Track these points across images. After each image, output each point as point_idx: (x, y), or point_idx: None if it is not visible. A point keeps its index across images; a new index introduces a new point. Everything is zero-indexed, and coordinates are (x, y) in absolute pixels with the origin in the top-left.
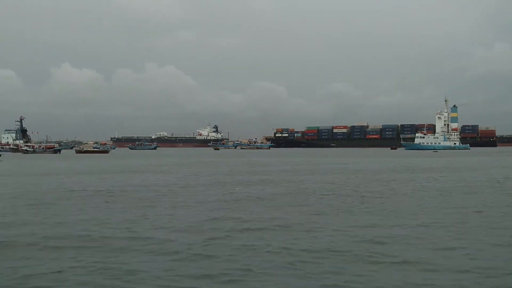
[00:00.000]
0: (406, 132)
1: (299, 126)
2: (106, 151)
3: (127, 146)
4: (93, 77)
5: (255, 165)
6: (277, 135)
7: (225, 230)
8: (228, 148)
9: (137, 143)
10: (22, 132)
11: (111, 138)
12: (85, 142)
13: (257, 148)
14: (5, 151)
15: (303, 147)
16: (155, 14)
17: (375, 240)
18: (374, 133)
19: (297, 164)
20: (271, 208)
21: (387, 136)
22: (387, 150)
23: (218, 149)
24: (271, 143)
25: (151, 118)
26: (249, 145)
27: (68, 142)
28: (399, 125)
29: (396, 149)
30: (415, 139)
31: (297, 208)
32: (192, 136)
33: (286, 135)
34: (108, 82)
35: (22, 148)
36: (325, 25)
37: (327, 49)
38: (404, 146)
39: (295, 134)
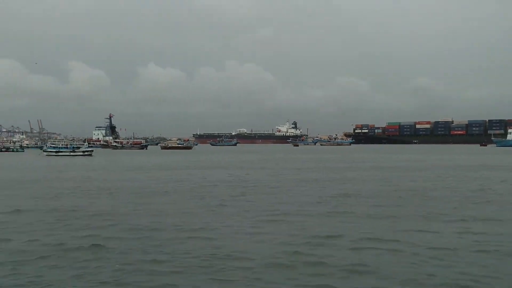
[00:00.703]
0: (494, 128)
1: (379, 121)
2: (189, 147)
3: (208, 142)
4: (177, 75)
5: (354, 162)
6: (356, 131)
7: None
8: (308, 144)
9: (218, 139)
10: (111, 129)
11: (193, 134)
12: (169, 138)
13: (338, 144)
14: (96, 147)
15: (384, 143)
16: (235, 13)
17: None
18: (459, 129)
19: (402, 161)
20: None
21: (474, 132)
22: (476, 147)
23: (298, 145)
24: (351, 139)
25: (232, 115)
26: (329, 141)
27: (153, 138)
28: (487, 121)
29: (486, 145)
30: (508, 135)
31: None
32: (271, 132)
33: (366, 131)
34: (190, 80)
35: (112, 144)
36: (409, 19)
37: (412, 43)
38: (495, 143)
39: (376, 130)
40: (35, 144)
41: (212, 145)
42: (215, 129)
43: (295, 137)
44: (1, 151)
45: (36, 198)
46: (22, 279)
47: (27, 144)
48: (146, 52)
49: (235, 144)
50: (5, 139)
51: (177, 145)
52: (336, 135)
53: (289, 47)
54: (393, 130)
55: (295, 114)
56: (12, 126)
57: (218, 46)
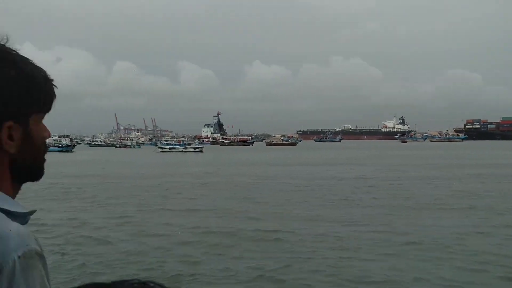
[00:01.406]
0: None
1: (492, 116)
2: (293, 144)
3: (312, 139)
4: (281, 73)
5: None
6: (467, 126)
7: None
8: (416, 140)
9: (322, 135)
10: (219, 126)
11: (297, 131)
12: (273, 135)
13: (449, 141)
14: (205, 143)
15: (498, 139)
16: (341, 8)
17: None
18: None
19: None
20: None
21: None
22: None
23: (406, 141)
24: (464, 135)
25: (336, 111)
26: (440, 137)
27: (258, 135)
28: None
29: None
30: None
31: None
32: (377, 128)
33: (478, 126)
34: (295, 77)
35: (220, 141)
36: None
37: None
38: None
39: (488, 126)
40: (150, 140)
41: (316, 141)
42: (319, 125)
43: (403, 133)
44: (120, 147)
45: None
46: None
47: (142, 141)
48: (252, 50)
49: (339, 141)
50: (122, 136)
51: (281, 142)
52: (447, 130)
53: (396, 41)
54: (508, 125)
55: (402, 109)
56: (129, 124)
57: (323, 42)
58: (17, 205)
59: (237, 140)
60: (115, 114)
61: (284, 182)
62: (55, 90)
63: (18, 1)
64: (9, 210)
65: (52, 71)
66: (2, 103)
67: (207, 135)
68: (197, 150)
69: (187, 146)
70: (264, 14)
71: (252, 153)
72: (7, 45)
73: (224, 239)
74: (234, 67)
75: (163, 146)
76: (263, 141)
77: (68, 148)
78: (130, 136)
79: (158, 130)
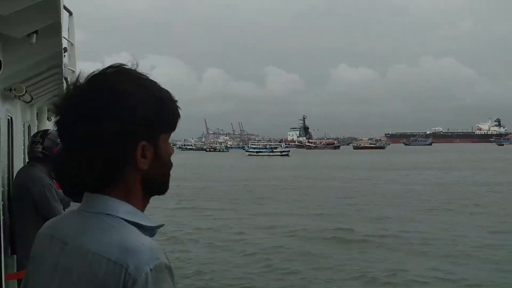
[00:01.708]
0: None
1: None
2: (382, 147)
3: (401, 142)
4: (369, 74)
5: None
6: None
7: None
8: None
9: (411, 138)
10: (305, 130)
11: (385, 134)
12: (360, 138)
13: None
14: (291, 147)
15: None
16: (431, 7)
17: None
18: None
19: None
20: None
21: None
22: None
23: (503, 145)
24: None
25: (426, 113)
26: None
27: (344, 138)
28: None
29: None
30: None
31: None
32: (470, 131)
33: None
34: (383, 78)
35: (306, 144)
36: None
37: None
38: None
39: None
40: (237, 144)
41: (406, 144)
42: (408, 128)
43: (499, 135)
44: (210, 151)
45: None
46: None
47: (230, 145)
48: (338, 53)
49: (430, 144)
50: (212, 140)
51: (369, 145)
52: None
53: (491, 39)
54: None
55: (497, 110)
56: (217, 128)
57: (412, 42)
58: (147, 219)
59: (323, 144)
60: (204, 119)
61: (378, 186)
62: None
63: (115, 15)
64: (140, 224)
65: None
66: (137, 124)
67: (292, 139)
68: (283, 153)
69: (274, 150)
70: (349, 17)
71: (339, 156)
72: (138, 69)
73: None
74: (320, 71)
75: (250, 150)
76: (350, 144)
77: None
78: (219, 140)
79: (245, 134)
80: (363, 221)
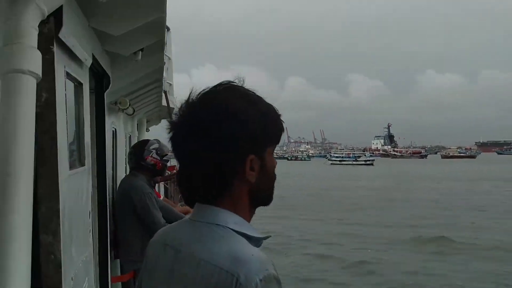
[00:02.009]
0: None
1: None
2: (473, 156)
3: (493, 151)
4: (457, 80)
5: None
6: None
7: None
8: None
9: (505, 147)
10: (390, 138)
11: (476, 142)
12: (448, 147)
13: None
14: (375, 156)
15: None
16: None
17: None
18: None
19: None
20: None
21: None
22: None
23: None
24: None
25: None
26: None
27: (431, 147)
28: None
29: None
30: None
31: None
32: None
33: None
34: (472, 84)
35: (391, 153)
36: None
37: None
38: None
39: None
40: (319, 153)
41: (499, 153)
42: (501, 136)
43: None
44: (291, 159)
45: None
46: None
47: (312, 154)
48: (424, 59)
49: None
50: (293, 149)
51: (458, 154)
52: None
53: None
54: None
55: None
56: (299, 137)
57: (506, 46)
58: (254, 230)
59: (409, 153)
60: (285, 128)
61: (480, 198)
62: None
63: (202, 29)
64: (248, 235)
65: None
66: (246, 139)
67: (377, 147)
68: (368, 162)
69: (358, 159)
70: (434, 21)
71: (428, 166)
72: (244, 85)
73: None
74: (404, 77)
75: (333, 159)
76: (437, 153)
77: None
78: (300, 149)
79: (326, 143)
80: None
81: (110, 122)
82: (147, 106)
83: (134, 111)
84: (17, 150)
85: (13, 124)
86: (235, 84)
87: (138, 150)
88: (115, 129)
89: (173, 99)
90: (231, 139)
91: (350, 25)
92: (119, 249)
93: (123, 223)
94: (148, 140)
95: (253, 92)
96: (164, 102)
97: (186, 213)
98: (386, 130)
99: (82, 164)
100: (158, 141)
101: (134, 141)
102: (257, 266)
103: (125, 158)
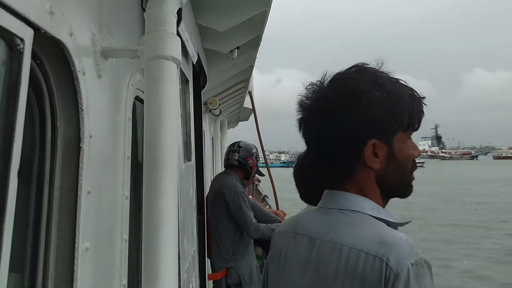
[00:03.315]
0: None
1: None
2: None
3: None
4: (508, 78)
5: None
6: None
7: None
8: None
9: None
10: (437, 139)
11: None
12: (499, 147)
13: None
14: (424, 158)
15: None
16: None
17: None
18: None
19: None
20: None
21: None
22: None
23: None
24: None
25: None
26: None
27: (481, 147)
28: None
29: None
30: None
31: None
32: None
33: None
34: None
35: (439, 155)
36: None
37: None
38: None
39: None
40: None
41: None
42: None
43: None
44: None
45: None
46: None
47: None
48: (472, 57)
49: None
50: None
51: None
52: None
53: None
54: None
55: None
56: None
57: None
58: (390, 215)
59: (459, 154)
60: None
61: None
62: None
63: None
64: (386, 220)
65: (273, 91)
66: (368, 123)
67: (424, 149)
68: (418, 165)
69: None
70: (482, 18)
71: (480, 168)
72: (381, 69)
73: None
74: (451, 77)
75: None
76: (488, 154)
77: (288, 164)
78: None
79: None
80: None
81: None
82: (230, 107)
83: (220, 112)
84: (164, 134)
85: (159, 110)
86: (367, 66)
87: (236, 149)
88: (204, 130)
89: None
90: (350, 122)
91: (394, 24)
92: (211, 247)
93: (215, 221)
94: (241, 141)
95: (386, 74)
96: (246, 104)
97: (274, 214)
98: (434, 131)
99: (189, 159)
100: (255, 146)
101: (217, 142)
102: (407, 249)
103: (212, 158)
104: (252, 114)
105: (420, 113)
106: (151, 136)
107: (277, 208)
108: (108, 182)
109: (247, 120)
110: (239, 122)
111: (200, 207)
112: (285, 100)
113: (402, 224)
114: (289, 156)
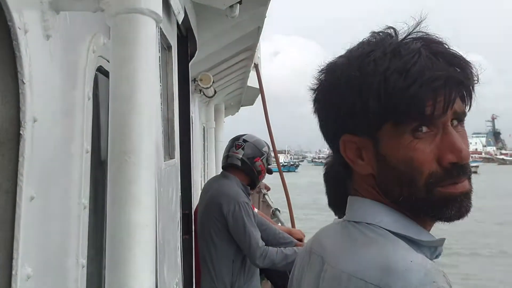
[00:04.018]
0: None
1: None
2: None
3: None
4: None
5: None
6: None
7: None
8: None
9: None
10: (494, 135)
11: None
12: None
13: None
14: (476, 161)
15: None
16: None
17: None
18: None
19: None
20: None
21: None
22: None
23: None
24: None
25: None
26: None
27: None
28: None
29: None
30: None
31: None
32: None
33: None
34: None
35: (497, 157)
36: None
37: None
38: None
39: None
40: None
41: None
42: None
43: None
44: None
45: None
46: None
47: None
48: None
49: None
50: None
51: None
52: None
53: None
54: None
55: None
56: None
57: None
58: (420, 230)
59: None
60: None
61: None
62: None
63: None
64: (411, 238)
65: (268, 68)
66: (342, 110)
67: (476, 149)
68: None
69: None
70: None
71: None
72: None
73: None
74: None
75: None
76: None
77: (289, 168)
78: None
79: None
80: None
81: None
82: (228, 86)
83: (215, 92)
84: (136, 120)
85: (130, 85)
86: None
87: (250, 147)
88: (192, 116)
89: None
90: (326, 110)
91: None
92: (201, 278)
93: (207, 243)
94: (255, 137)
95: (391, 44)
96: (250, 82)
97: (287, 232)
98: (490, 124)
99: (172, 157)
100: (266, 143)
101: (211, 134)
102: (419, 276)
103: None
104: (260, 96)
105: (420, 96)
106: (119, 122)
107: (293, 226)
108: (59, 184)
109: (252, 104)
110: (241, 108)
111: (186, 222)
112: (285, 79)
113: (438, 242)
114: (291, 157)
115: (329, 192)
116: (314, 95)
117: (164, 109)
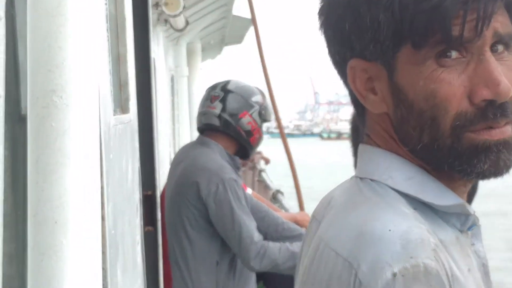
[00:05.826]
0: None
1: None
2: None
3: None
4: None
5: None
6: None
7: None
8: None
9: None
10: None
11: None
12: None
13: None
14: None
15: None
16: None
17: None
18: None
19: None
20: None
21: None
22: None
23: None
24: None
25: None
26: None
27: None
28: None
29: None
30: None
31: None
32: None
33: None
34: None
35: None
36: None
37: None
38: None
39: None
40: None
41: None
42: None
43: None
44: (328, 137)
45: None
46: None
47: None
48: None
49: None
50: (328, 117)
51: None
52: None
53: None
54: None
55: None
56: (336, 93)
57: None
58: (444, 193)
59: None
60: (310, 78)
61: None
62: None
63: None
64: (424, 201)
65: None
66: (349, 32)
67: None
68: None
69: None
70: None
71: None
72: None
73: None
74: None
75: None
76: None
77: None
78: (341, 117)
79: None
80: None
81: None
82: (207, 15)
83: (187, 24)
84: (68, 51)
85: (60, 4)
86: None
87: (234, 98)
88: (153, 58)
89: None
90: (333, 28)
91: None
92: (172, 282)
93: (179, 237)
94: (231, 81)
95: None
96: (236, 11)
97: (293, 221)
98: None
99: (125, 111)
100: (260, 91)
101: (182, 84)
102: (395, 249)
103: (172, 115)
104: (253, 29)
105: (445, 11)
106: (42, 47)
107: (301, 209)
108: None
109: (240, 43)
110: (225, 48)
111: (149, 208)
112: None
113: (455, 209)
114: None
115: (352, 145)
116: (320, 5)
117: (112, 44)
